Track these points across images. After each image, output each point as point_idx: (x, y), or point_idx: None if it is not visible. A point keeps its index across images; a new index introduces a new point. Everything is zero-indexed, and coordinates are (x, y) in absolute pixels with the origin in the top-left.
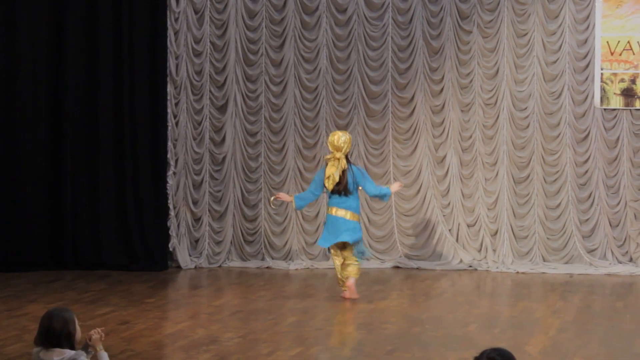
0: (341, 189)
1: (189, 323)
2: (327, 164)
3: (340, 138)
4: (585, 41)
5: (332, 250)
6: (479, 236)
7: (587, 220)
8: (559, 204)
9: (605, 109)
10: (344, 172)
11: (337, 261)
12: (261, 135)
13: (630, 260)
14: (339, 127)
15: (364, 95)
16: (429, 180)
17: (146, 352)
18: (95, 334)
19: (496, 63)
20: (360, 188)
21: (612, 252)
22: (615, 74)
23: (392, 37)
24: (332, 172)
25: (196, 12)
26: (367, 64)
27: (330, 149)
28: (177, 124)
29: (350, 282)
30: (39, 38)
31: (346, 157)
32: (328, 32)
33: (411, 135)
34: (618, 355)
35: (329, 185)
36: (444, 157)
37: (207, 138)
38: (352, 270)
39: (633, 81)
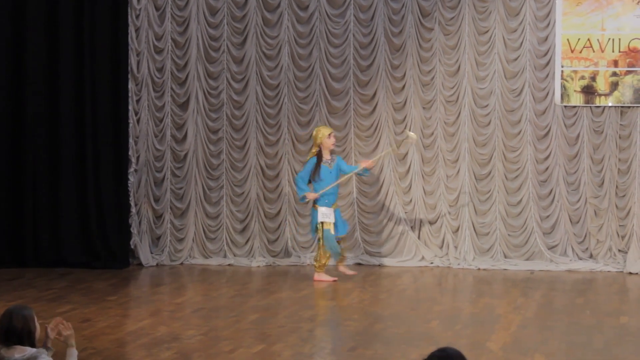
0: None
1: (150, 321)
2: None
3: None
4: (546, 39)
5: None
6: (440, 233)
7: (547, 217)
8: (520, 200)
9: (565, 106)
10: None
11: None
12: (223, 133)
13: (591, 256)
14: (301, 125)
15: (326, 93)
16: (390, 177)
17: (108, 350)
18: (67, 329)
19: (457, 60)
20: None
21: (572, 249)
22: (575, 72)
23: (353, 35)
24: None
25: (157, 9)
26: (328, 61)
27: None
28: (138, 121)
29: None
30: None
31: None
32: (290, 29)
33: (373, 132)
34: (578, 351)
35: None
36: (406, 154)
37: (169, 135)
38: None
39: (593, 78)
